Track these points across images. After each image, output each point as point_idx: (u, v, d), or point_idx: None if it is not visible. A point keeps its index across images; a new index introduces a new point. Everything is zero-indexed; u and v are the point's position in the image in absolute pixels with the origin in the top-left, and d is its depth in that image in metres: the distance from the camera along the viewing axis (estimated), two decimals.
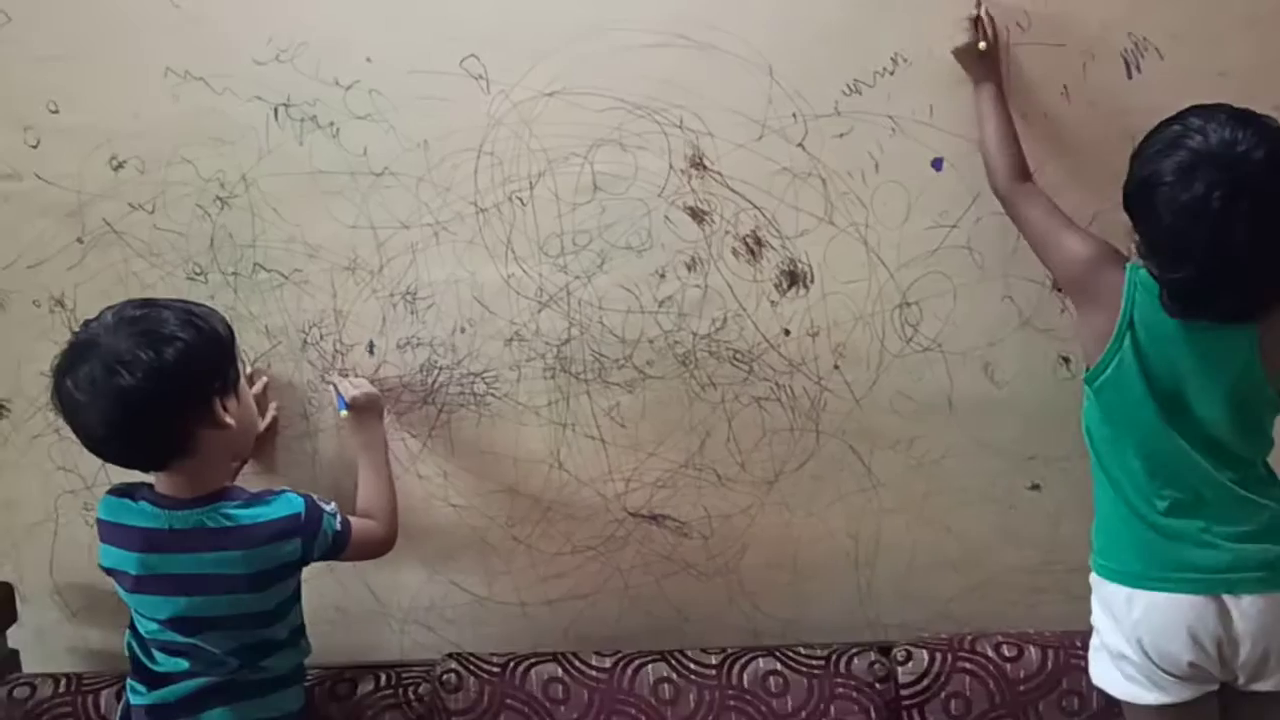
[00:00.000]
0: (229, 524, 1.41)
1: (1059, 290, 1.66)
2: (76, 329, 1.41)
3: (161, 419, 1.36)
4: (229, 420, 1.41)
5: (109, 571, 1.46)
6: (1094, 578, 1.48)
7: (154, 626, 1.44)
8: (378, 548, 1.60)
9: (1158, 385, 1.37)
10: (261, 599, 1.43)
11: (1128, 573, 1.41)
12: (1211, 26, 1.59)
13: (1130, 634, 1.40)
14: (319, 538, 1.47)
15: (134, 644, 1.48)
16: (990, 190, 1.58)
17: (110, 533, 1.45)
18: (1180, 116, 1.33)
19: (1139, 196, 1.33)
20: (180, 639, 1.43)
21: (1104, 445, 1.44)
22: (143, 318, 1.36)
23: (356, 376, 1.67)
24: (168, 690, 1.45)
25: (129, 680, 1.50)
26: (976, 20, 1.56)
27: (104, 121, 1.64)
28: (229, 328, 1.44)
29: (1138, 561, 1.40)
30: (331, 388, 1.67)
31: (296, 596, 1.51)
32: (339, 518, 1.51)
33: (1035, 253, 1.53)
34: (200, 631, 1.42)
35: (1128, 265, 1.40)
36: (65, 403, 1.36)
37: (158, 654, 1.46)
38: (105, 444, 1.37)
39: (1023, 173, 1.54)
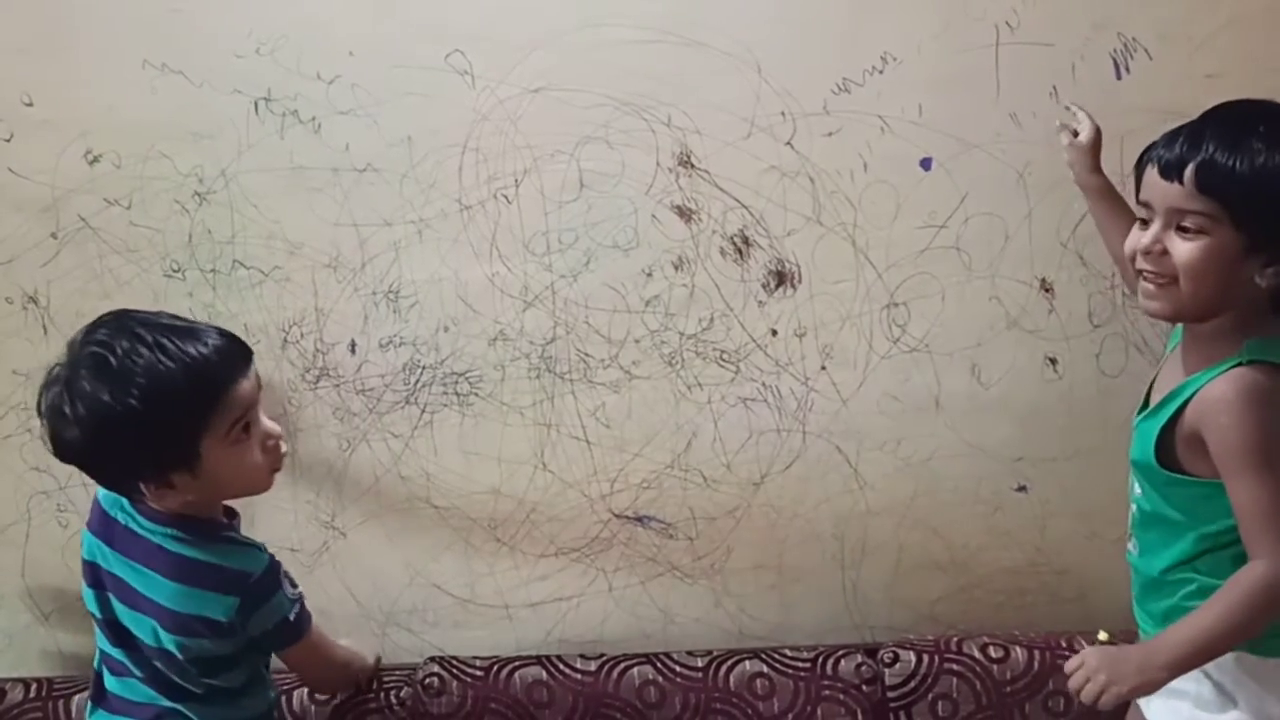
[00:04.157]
0: (173, 550, 1.30)
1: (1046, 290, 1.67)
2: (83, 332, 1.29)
3: (107, 472, 1.28)
4: (174, 497, 1.28)
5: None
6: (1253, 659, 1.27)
7: (101, 638, 1.37)
8: (332, 671, 1.50)
9: None
10: (188, 643, 1.30)
11: None
12: (1201, 28, 1.60)
13: None
14: (262, 610, 1.32)
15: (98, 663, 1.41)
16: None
17: (93, 516, 1.37)
18: None
19: None
20: (114, 655, 1.35)
21: None
22: (116, 364, 1.21)
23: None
24: None
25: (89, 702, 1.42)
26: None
27: (79, 115, 1.60)
28: (220, 379, 1.25)
29: None
30: None
31: (236, 661, 1.36)
32: (299, 606, 1.37)
33: None
34: (125, 645, 1.34)
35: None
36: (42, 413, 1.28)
37: (108, 676, 1.38)
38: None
39: None
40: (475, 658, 1.69)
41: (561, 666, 1.67)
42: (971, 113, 1.62)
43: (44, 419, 1.26)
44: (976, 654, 1.67)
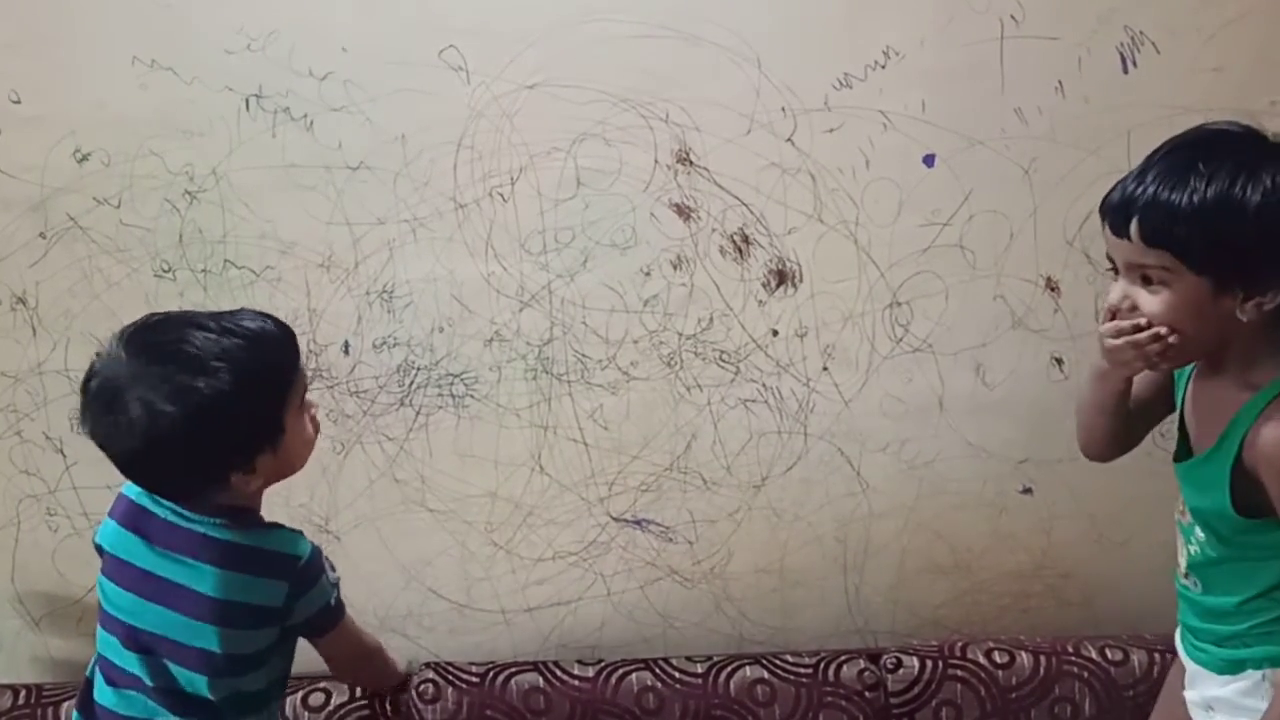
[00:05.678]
0: (222, 538, 1.26)
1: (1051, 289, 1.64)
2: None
3: (201, 466, 1.23)
4: (255, 482, 1.27)
5: (99, 549, 1.33)
6: None
7: (110, 639, 1.32)
8: (362, 661, 1.47)
9: None
10: (227, 635, 1.27)
11: None
12: (1208, 21, 1.58)
13: None
14: (309, 595, 1.31)
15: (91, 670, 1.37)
16: None
17: (118, 507, 1.32)
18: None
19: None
20: (120, 662, 1.31)
21: None
22: (198, 352, 1.19)
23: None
24: None
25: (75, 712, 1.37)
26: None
27: (68, 112, 1.58)
28: (292, 351, 1.26)
29: None
30: None
31: (265, 658, 1.33)
32: (338, 591, 1.36)
33: None
34: (149, 650, 1.30)
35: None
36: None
37: (103, 687, 1.33)
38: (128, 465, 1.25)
39: None
40: (471, 663, 1.66)
41: (559, 672, 1.64)
42: (975, 108, 1.60)
43: (114, 432, 1.19)
44: (981, 659, 1.64)
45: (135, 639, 1.31)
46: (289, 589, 1.29)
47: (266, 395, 1.23)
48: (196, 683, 1.30)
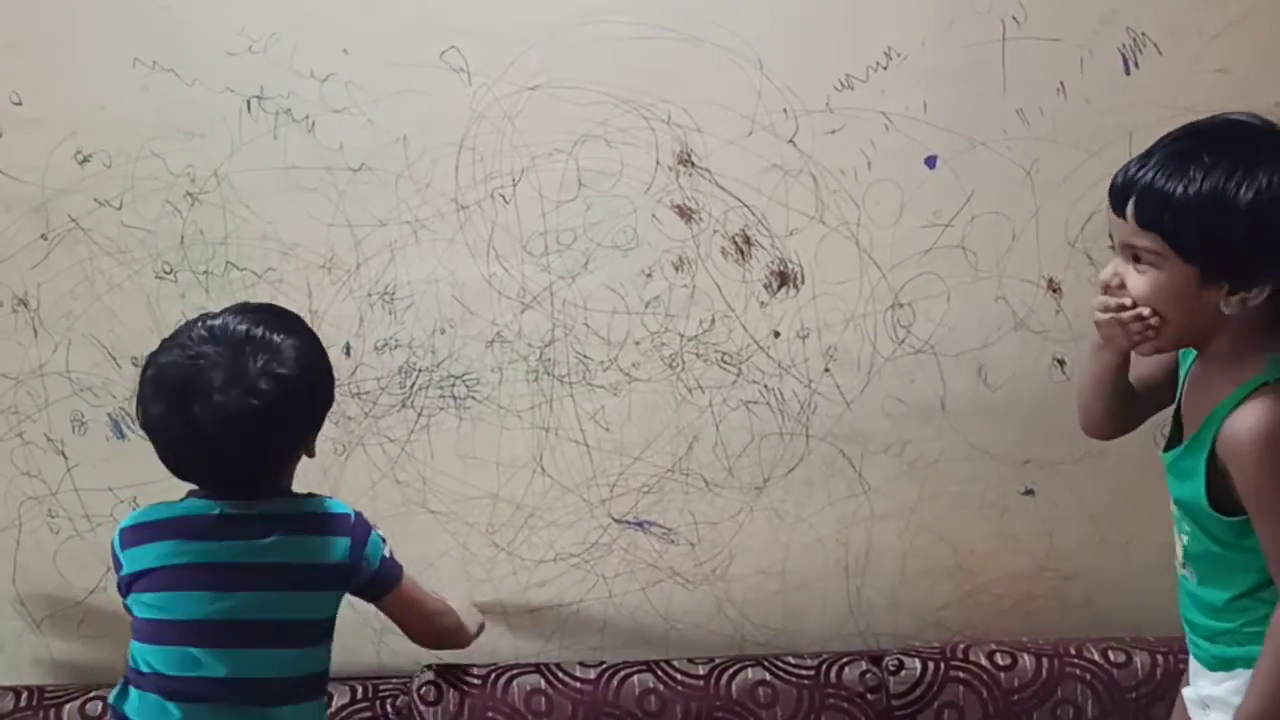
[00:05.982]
0: (281, 510, 1.32)
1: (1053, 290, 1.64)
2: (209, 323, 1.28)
3: (307, 423, 1.33)
4: (312, 449, 1.37)
5: (135, 577, 1.31)
6: None
7: (168, 650, 1.29)
8: (428, 621, 1.47)
9: None
10: (301, 601, 1.32)
11: None
12: (1210, 22, 1.58)
13: None
14: (367, 548, 1.36)
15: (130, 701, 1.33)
16: None
17: (140, 534, 1.32)
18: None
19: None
20: (186, 671, 1.29)
21: None
22: (274, 327, 1.30)
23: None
24: None
25: None
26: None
27: (69, 113, 1.58)
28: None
29: None
30: None
31: (331, 629, 1.37)
32: (389, 548, 1.39)
33: None
34: (228, 643, 1.29)
35: None
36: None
37: (165, 704, 1.30)
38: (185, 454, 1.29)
39: None
40: (472, 665, 1.66)
41: (560, 674, 1.64)
42: (977, 109, 1.60)
43: (220, 415, 1.24)
44: (983, 661, 1.64)
45: (207, 634, 1.30)
46: (351, 542, 1.34)
47: (325, 356, 1.34)
48: (279, 662, 1.31)
